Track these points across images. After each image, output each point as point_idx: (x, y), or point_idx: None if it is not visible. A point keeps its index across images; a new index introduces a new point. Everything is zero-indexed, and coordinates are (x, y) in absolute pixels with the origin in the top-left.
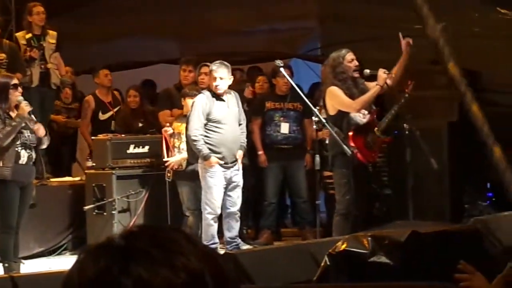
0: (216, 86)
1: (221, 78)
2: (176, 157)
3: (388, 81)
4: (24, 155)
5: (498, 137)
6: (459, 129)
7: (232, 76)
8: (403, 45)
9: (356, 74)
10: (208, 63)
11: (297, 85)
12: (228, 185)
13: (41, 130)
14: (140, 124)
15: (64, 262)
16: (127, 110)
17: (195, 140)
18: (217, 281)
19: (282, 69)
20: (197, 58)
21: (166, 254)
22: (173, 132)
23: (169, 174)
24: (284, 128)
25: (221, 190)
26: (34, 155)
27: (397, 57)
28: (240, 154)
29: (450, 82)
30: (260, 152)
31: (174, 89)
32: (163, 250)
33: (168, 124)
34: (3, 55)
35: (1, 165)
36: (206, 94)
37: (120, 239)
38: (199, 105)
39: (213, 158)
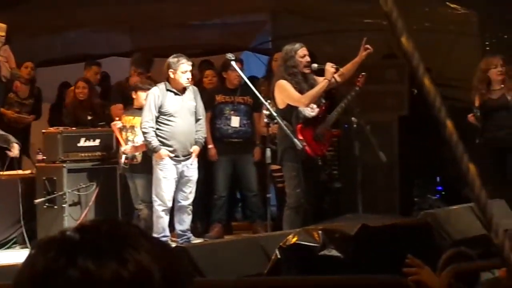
0: (188, 79)
1: (190, 71)
2: (128, 146)
3: (337, 78)
4: None
5: None
6: (409, 123)
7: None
8: (362, 50)
9: (307, 70)
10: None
11: (248, 78)
12: (181, 179)
13: None
14: (89, 117)
15: (14, 255)
16: (75, 102)
17: (145, 133)
18: (166, 275)
19: (233, 63)
20: (148, 61)
21: (116, 247)
22: (125, 126)
23: (126, 161)
24: (235, 121)
25: (171, 183)
26: None
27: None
28: (195, 149)
29: (403, 56)
30: (210, 146)
31: (126, 82)
32: (112, 243)
33: (117, 118)
34: None
35: None
36: (160, 87)
37: (71, 232)
38: (152, 98)
39: (163, 151)
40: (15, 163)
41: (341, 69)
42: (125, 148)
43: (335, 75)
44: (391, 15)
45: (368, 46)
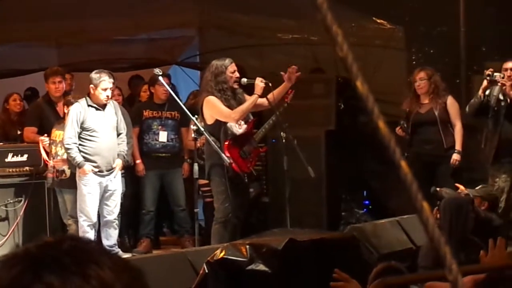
0: (107, 96)
1: (111, 89)
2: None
3: (270, 100)
4: None
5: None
6: (336, 138)
7: (112, 85)
8: (291, 76)
9: (236, 86)
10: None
11: (175, 93)
12: (105, 193)
13: None
14: (19, 132)
15: None
16: (6, 116)
17: (68, 149)
18: None
19: (160, 78)
20: (62, 68)
21: (79, 263)
22: (54, 140)
23: (57, 174)
24: (162, 136)
25: (95, 198)
26: None
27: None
28: (118, 162)
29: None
30: (138, 161)
31: (44, 102)
32: (76, 259)
33: (46, 135)
34: None
35: None
36: (81, 103)
37: (35, 248)
38: (74, 113)
39: (87, 166)
40: None
41: (273, 92)
42: (55, 160)
43: (263, 100)
44: (346, 59)
45: (295, 72)
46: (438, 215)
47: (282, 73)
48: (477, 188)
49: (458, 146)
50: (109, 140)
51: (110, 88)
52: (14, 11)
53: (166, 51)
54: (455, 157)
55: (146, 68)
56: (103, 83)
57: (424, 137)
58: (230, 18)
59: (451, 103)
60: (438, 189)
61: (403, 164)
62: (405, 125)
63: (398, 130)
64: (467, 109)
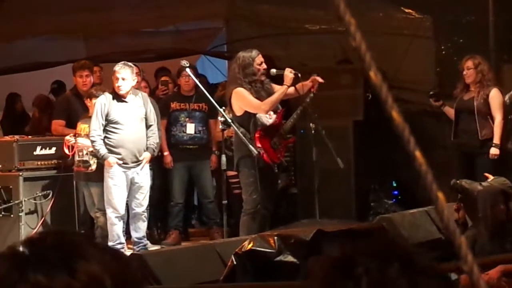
0: (118, 86)
1: (123, 79)
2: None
3: (299, 90)
4: None
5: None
6: (364, 128)
7: (136, 78)
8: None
9: (263, 77)
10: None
11: (206, 84)
12: (132, 186)
13: None
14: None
15: None
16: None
17: (93, 141)
18: (118, 284)
19: (187, 69)
20: (89, 62)
21: (65, 258)
22: (79, 134)
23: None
24: (190, 128)
25: (122, 190)
26: None
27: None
28: (146, 155)
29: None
30: (166, 153)
31: (71, 95)
32: (62, 255)
33: (71, 135)
34: None
35: None
36: (106, 95)
37: (21, 246)
38: (99, 106)
39: (111, 159)
40: None
41: (301, 84)
42: (80, 154)
43: (292, 89)
44: (360, 49)
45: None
46: (457, 208)
47: (306, 82)
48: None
49: (496, 139)
50: (135, 132)
51: (133, 79)
52: (41, 4)
53: (193, 41)
54: (493, 151)
55: (172, 58)
56: (123, 73)
57: (462, 126)
58: (257, 9)
59: (494, 95)
60: (457, 181)
61: (418, 154)
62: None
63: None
64: (506, 99)
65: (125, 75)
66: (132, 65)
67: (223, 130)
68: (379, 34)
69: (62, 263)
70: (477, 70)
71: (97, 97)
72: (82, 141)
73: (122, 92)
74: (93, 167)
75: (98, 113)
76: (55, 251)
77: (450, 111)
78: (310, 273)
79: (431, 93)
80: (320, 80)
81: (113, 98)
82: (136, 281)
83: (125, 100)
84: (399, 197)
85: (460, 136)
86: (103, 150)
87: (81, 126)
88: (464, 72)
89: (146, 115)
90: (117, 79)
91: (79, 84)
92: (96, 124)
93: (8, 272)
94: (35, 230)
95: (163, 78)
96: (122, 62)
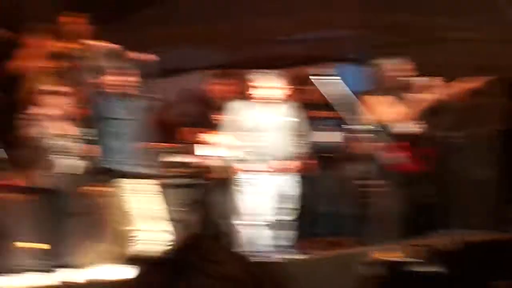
0: (268, 95)
1: (273, 88)
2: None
3: (444, 97)
4: (78, 165)
5: None
6: (508, 137)
7: (286, 86)
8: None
9: (406, 86)
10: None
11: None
12: (278, 194)
13: (94, 151)
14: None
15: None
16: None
17: (236, 147)
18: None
19: (316, 79)
20: (227, 71)
21: (212, 265)
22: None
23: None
24: (326, 136)
25: (267, 198)
26: (84, 165)
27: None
28: (294, 163)
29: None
30: (311, 161)
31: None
32: (206, 260)
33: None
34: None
35: None
36: (246, 102)
37: (171, 253)
38: (236, 113)
39: (251, 166)
40: None
41: (449, 91)
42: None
43: (443, 94)
44: None
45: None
46: None
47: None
48: None
49: None
50: (277, 140)
51: (273, 87)
52: (187, 13)
53: (328, 49)
54: None
55: (307, 65)
56: (264, 82)
57: None
58: (394, 17)
59: None
60: None
61: None
62: None
63: None
64: None
65: (275, 83)
66: (275, 73)
67: (359, 139)
68: None
69: (211, 269)
70: None
71: (233, 107)
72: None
73: (272, 100)
74: (227, 174)
75: (235, 120)
76: (202, 258)
77: None
78: None
79: None
80: (467, 87)
81: (259, 106)
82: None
83: (274, 108)
84: None
85: None
86: (246, 157)
87: (214, 134)
88: None
89: (294, 124)
90: (266, 87)
91: (216, 92)
92: (233, 131)
93: (170, 276)
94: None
95: (298, 86)
96: (270, 71)
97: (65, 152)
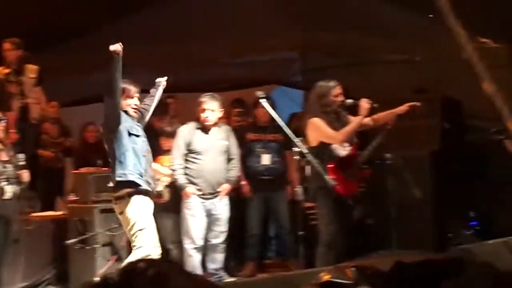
0: (205, 118)
1: (211, 110)
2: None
3: (370, 122)
4: (8, 190)
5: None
6: (441, 158)
7: (222, 109)
8: (405, 108)
9: (340, 109)
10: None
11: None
12: (210, 217)
13: (25, 175)
14: (99, 161)
15: None
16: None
17: (173, 170)
18: None
19: (263, 100)
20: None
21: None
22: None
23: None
24: (266, 159)
25: (199, 221)
26: (18, 190)
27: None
28: (225, 187)
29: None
30: (244, 182)
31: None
32: (154, 285)
33: None
34: None
35: None
36: (189, 125)
37: (115, 277)
38: (181, 135)
39: (189, 189)
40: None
41: (378, 115)
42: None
43: (368, 119)
44: (471, 60)
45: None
46: None
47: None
48: None
49: None
50: (215, 163)
51: (211, 110)
52: (123, 36)
53: (267, 72)
54: None
55: (247, 88)
56: (202, 104)
57: None
58: (332, 38)
59: None
60: None
61: None
62: None
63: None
64: None
65: (213, 106)
66: (218, 96)
67: (299, 161)
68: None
69: None
70: None
71: (171, 134)
72: (158, 168)
73: (209, 123)
74: (166, 197)
75: (179, 143)
76: (149, 283)
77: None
78: None
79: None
80: (400, 111)
81: (197, 128)
82: None
83: (209, 131)
84: (478, 227)
85: None
86: (182, 180)
87: (165, 158)
88: None
89: (228, 148)
90: (204, 110)
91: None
92: (177, 154)
93: None
94: (109, 263)
95: (238, 109)
96: (209, 93)
97: (3, 178)
